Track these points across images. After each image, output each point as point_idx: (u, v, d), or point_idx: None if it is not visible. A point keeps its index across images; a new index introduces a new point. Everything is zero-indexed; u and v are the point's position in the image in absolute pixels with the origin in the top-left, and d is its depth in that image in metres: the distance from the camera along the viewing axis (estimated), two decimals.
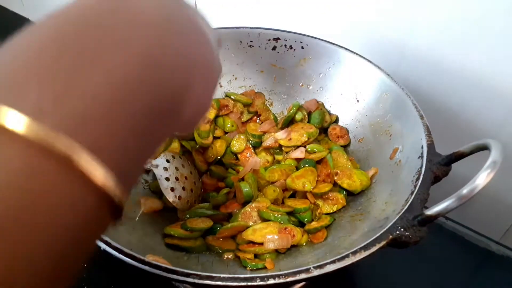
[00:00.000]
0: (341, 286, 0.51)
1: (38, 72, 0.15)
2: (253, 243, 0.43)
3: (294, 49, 0.56)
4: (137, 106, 0.17)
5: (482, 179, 0.31)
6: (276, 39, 0.56)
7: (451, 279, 0.52)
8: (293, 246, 0.43)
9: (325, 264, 0.31)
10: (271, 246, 0.42)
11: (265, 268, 0.40)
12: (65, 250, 0.15)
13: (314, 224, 0.44)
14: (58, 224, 0.14)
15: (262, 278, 0.30)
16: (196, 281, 0.30)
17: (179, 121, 0.21)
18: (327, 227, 0.44)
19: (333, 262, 0.31)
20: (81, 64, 0.15)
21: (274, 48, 0.57)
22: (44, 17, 0.17)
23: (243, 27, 0.56)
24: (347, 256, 0.32)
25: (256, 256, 0.42)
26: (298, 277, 0.30)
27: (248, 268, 0.40)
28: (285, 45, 0.56)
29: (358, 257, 0.32)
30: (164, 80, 0.18)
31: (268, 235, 0.42)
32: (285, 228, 0.43)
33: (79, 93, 0.15)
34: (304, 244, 0.43)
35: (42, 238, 0.14)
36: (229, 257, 0.43)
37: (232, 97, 0.57)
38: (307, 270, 0.31)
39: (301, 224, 0.45)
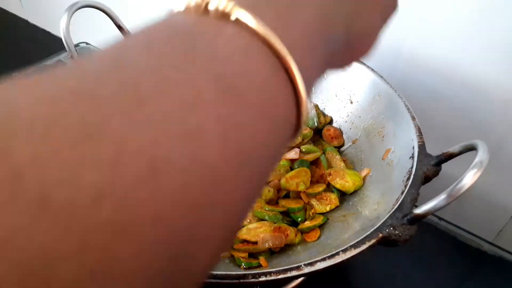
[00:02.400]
0: (335, 286, 0.52)
1: None
2: (247, 242, 0.43)
3: None
4: (322, 38, 0.18)
5: (469, 178, 0.31)
6: None
7: (443, 279, 0.52)
8: (287, 245, 0.44)
9: (316, 262, 0.32)
10: (265, 245, 0.42)
11: (259, 266, 0.41)
12: (261, 152, 0.15)
13: (307, 224, 0.44)
14: (277, 128, 0.15)
15: (254, 276, 0.31)
16: None
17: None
18: (320, 226, 0.45)
19: (324, 259, 0.32)
20: None
21: None
22: None
23: None
24: (337, 254, 0.32)
25: (250, 255, 0.43)
26: (289, 274, 0.31)
27: (242, 267, 0.41)
28: None
29: (349, 255, 0.33)
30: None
31: (262, 234, 0.43)
32: (279, 228, 0.43)
33: (299, 17, 0.16)
34: (298, 243, 0.44)
35: (267, 136, 0.14)
36: (224, 255, 0.44)
37: None
38: (298, 268, 0.32)
39: (294, 224, 0.46)
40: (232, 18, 0.14)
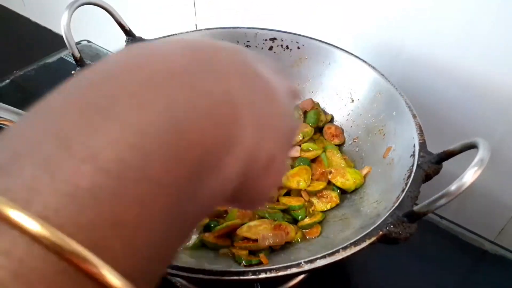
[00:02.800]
0: (336, 284, 0.52)
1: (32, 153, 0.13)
2: (248, 239, 0.44)
3: (291, 49, 0.57)
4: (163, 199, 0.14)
5: (469, 176, 0.31)
6: (273, 39, 0.57)
7: (445, 278, 0.52)
8: (287, 243, 0.44)
9: (316, 259, 0.32)
10: (265, 242, 0.42)
11: (259, 264, 0.41)
12: None
13: (307, 221, 0.44)
14: None
15: (253, 272, 0.31)
16: (189, 274, 0.31)
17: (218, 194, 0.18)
18: (320, 223, 0.45)
19: (324, 257, 0.32)
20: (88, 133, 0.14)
21: (270, 48, 0.57)
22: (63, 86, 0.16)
23: (240, 27, 0.57)
24: (337, 251, 0.32)
25: (250, 252, 0.43)
26: (289, 272, 0.31)
27: (242, 264, 0.41)
28: (282, 45, 0.57)
29: (349, 252, 0.32)
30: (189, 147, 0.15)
31: (263, 232, 0.43)
32: (280, 225, 0.44)
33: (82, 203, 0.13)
34: (298, 240, 0.44)
35: None
36: (225, 253, 0.44)
37: None
38: (298, 265, 0.31)
39: (295, 222, 0.46)
40: None
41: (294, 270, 0.31)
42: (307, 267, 0.31)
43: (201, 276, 0.31)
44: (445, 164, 0.40)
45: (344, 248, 0.33)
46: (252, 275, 0.31)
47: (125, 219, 0.13)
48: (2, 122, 0.45)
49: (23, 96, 0.80)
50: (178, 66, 0.16)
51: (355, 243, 0.33)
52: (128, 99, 0.14)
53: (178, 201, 0.15)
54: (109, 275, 0.12)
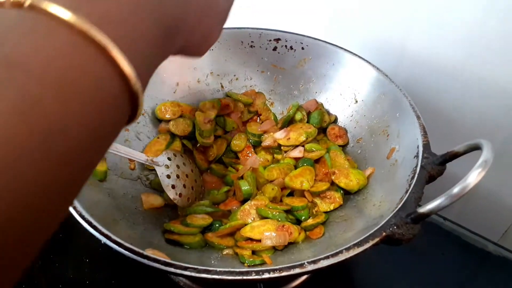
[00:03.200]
0: (340, 284, 0.52)
1: None
2: (251, 239, 0.44)
3: (295, 50, 0.57)
4: (150, 18, 0.19)
5: (473, 177, 0.31)
6: (277, 40, 0.57)
7: (448, 279, 0.52)
8: (290, 243, 0.44)
9: (319, 260, 0.32)
10: (268, 243, 0.43)
11: (263, 264, 0.41)
12: (87, 135, 0.16)
13: (310, 221, 0.44)
14: (90, 101, 0.16)
15: (257, 273, 0.31)
16: (193, 274, 0.31)
17: (179, 42, 0.23)
18: (324, 223, 0.45)
19: (327, 257, 0.32)
20: None
21: (275, 49, 0.58)
22: None
23: (244, 28, 0.57)
24: (340, 252, 0.32)
25: (254, 252, 0.43)
26: (292, 272, 0.31)
27: (245, 264, 0.41)
28: (286, 46, 0.57)
29: (352, 253, 0.33)
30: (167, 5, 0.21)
31: (266, 232, 0.43)
32: (283, 226, 0.44)
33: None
34: (302, 241, 0.44)
35: (76, 110, 0.15)
36: (228, 253, 0.44)
37: (233, 97, 0.58)
38: (301, 265, 0.32)
39: (298, 222, 0.46)
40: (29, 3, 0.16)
41: (298, 270, 0.31)
42: (310, 267, 0.31)
43: (204, 275, 0.31)
44: (449, 165, 0.40)
45: (348, 249, 0.33)
46: (256, 275, 0.31)
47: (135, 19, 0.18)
48: None
49: None
50: None
51: (358, 244, 0.33)
52: None
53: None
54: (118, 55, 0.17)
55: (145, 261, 0.32)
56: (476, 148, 0.35)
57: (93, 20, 0.16)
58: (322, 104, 0.56)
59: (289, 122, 0.56)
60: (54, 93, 0.15)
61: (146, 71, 0.20)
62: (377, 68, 0.50)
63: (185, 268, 0.31)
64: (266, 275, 0.31)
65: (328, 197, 0.47)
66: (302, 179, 0.47)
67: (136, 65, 0.18)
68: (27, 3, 0.16)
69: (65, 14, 0.16)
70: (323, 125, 0.55)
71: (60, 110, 0.15)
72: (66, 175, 0.16)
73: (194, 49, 0.27)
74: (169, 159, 0.49)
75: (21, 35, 0.15)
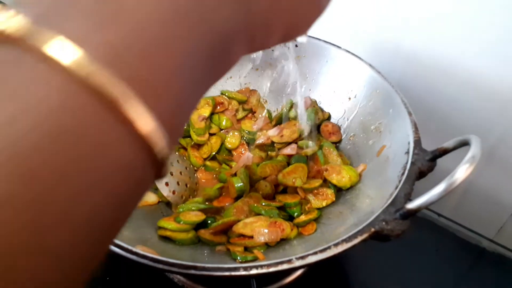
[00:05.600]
0: (334, 280, 0.52)
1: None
2: (243, 236, 0.44)
3: (288, 48, 0.57)
4: (191, 40, 0.14)
5: (461, 173, 0.31)
6: None
7: (443, 275, 0.52)
8: (283, 239, 0.44)
9: (307, 255, 0.32)
10: (261, 239, 0.43)
11: (255, 260, 0.41)
12: (100, 210, 0.12)
13: (303, 218, 0.45)
14: (95, 176, 0.12)
15: (245, 268, 0.31)
16: (181, 270, 0.31)
17: (245, 47, 0.18)
18: (316, 220, 0.45)
19: (315, 253, 0.32)
20: None
21: None
22: None
23: None
24: (329, 247, 0.33)
25: (246, 249, 0.43)
26: (280, 268, 0.31)
27: (237, 261, 0.41)
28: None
29: (340, 249, 0.33)
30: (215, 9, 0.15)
31: (258, 229, 0.43)
32: (275, 222, 0.44)
33: (128, 21, 0.12)
34: (294, 237, 0.44)
35: (78, 189, 0.12)
36: (221, 249, 0.44)
37: (227, 94, 0.58)
38: (289, 261, 0.32)
39: (291, 219, 0.46)
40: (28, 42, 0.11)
41: (286, 266, 0.32)
42: (298, 263, 0.32)
43: (192, 272, 0.31)
44: (441, 161, 0.40)
45: (336, 245, 0.33)
46: (244, 271, 0.31)
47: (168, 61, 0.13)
48: None
49: None
50: None
51: (346, 240, 0.33)
52: None
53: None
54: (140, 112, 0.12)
55: (135, 257, 0.32)
56: (465, 144, 0.35)
57: (104, 58, 0.12)
58: (315, 101, 0.56)
59: (283, 119, 0.56)
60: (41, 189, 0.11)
61: (185, 114, 0.15)
62: (370, 65, 0.51)
63: (173, 265, 0.31)
64: (254, 271, 0.31)
65: (320, 193, 0.47)
66: (294, 176, 0.47)
67: (168, 112, 0.13)
68: (6, 33, 0.11)
69: (66, 57, 0.11)
70: (317, 122, 0.55)
71: (47, 220, 0.11)
72: (84, 253, 0.13)
73: (294, 31, 0.20)
74: None
75: None
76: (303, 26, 0.21)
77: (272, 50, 0.58)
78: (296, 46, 0.56)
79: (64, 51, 0.11)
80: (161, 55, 0.13)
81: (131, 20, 0.13)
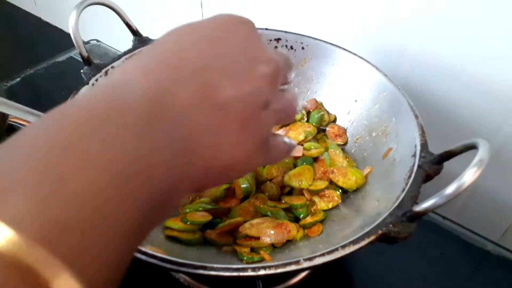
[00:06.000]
0: (339, 282, 0.52)
1: (23, 178, 0.13)
2: (250, 237, 0.44)
3: (295, 50, 0.57)
4: (129, 206, 0.15)
5: (468, 176, 0.31)
6: (277, 40, 0.57)
7: (447, 278, 0.52)
8: (289, 241, 0.44)
9: (315, 257, 0.32)
10: (267, 240, 0.43)
11: (261, 261, 0.42)
12: None
13: (309, 219, 0.45)
14: None
15: (253, 269, 0.31)
16: (190, 270, 0.31)
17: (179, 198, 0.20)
18: (322, 221, 0.45)
19: (323, 255, 0.32)
20: (68, 167, 0.14)
21: (275, 49, 0.58)
22: (39, 120, 0.16)
23: None
24: (336, 249, 0.33)
25: (252, 250, 0.44)
26: (288, 269, 0.32)
27: (244, 261, 0.42)
28: (286, 46, 0.57)
29: (347, 251, 0.33)
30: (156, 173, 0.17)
31: (265, 230, 0.44)
32: (281, 224, 0.44)
33: (63, 199, 0.13)
34: (300, 239, 0.44)
35: None
36: (227, 250, 0.44)
37: None
38: (297, 262, 0.32)
39: (297, 220, 0.46)
40: None
41: (293, 267, 0.32)
42: (305, 264, 0.32)
43: (201, 272, 0.31)
44: (448, 164, 0.40)
45: (343, 247, 0.33)
46: (252, 271, 0.31)
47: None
48: (13, 120, 0.46)
49: (33, 94, 0.82)
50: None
51: (354, 242, 0.33)
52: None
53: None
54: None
55: (143, 257, 0.32)
56: (472, 147, 0.35)
57: (37, 235, 0.12)
58: (321, 103, 0.57)
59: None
60: None
61: (113, 276, 0.15)
62: (377, 68, 0.51)
63: (182, 265, 0.31)
64: (262, 272, 0.31)
65: (326, 195, 0.48)
66: (301, 178, 0.48)
67: (99, 280, 0.14)
68: None
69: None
70: (323, 124, 0.55)
71: None
72: None
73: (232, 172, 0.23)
74: None
75: None
76: (241, 171, 0.24)
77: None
78: (303, 48, 0.57)
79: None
80: (96, 229, 0.14)
81: (68, 195, 0.13)
